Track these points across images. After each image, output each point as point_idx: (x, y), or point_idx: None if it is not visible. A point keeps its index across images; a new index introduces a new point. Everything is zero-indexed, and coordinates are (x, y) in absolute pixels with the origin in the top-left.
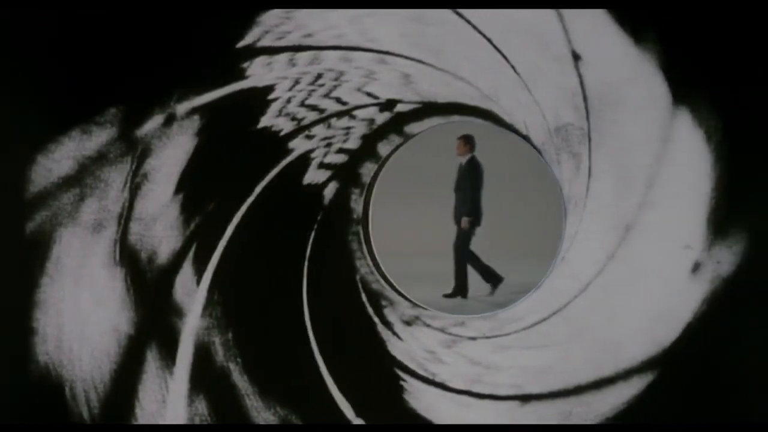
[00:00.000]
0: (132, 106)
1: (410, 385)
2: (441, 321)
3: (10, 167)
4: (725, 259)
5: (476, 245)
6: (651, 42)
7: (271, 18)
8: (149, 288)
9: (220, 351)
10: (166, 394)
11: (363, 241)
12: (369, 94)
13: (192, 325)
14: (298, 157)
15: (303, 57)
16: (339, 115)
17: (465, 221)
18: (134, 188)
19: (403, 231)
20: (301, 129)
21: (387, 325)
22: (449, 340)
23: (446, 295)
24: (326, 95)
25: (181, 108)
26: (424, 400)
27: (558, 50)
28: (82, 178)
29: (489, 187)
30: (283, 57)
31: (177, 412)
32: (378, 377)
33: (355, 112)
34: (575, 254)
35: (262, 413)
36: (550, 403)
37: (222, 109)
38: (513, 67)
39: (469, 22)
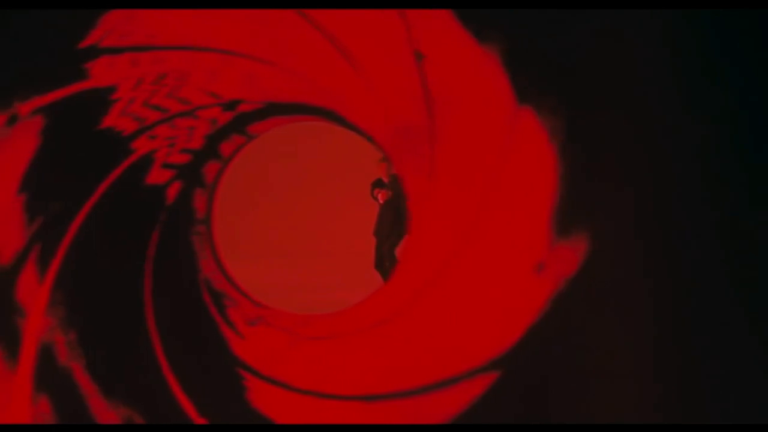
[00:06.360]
0: None
1: (253, 384)
2: (284, 320)
3: None
4: (568, 258)
5: (329, 246)
6: (494, 41)
7: (114, 18)
8: None
9: (63, 350)
10: (10, 393)
11: (207, 240)
12: (212, 94)
13: (35, 324)
14: (141, 157)
15: (146, 57)
16: (182, 114)
17: (382, 193)
18: None
19: (247, 231)
20: (144, 129)
21: (230, 324)
22: (293, 339)
23: None
24: (169, 95)
25: (24, 108)
26: (267, 400)
27: (401, 49)
28: None
29: (334, 187)
30: (126, 57)
31: (21, 411)
32: (221, 377)
33: (199, 112)
34: (418, 254)
35: (105, 412)
36: (394, 403)
37: (65, 109)
38: (356, 67)
39: (312, 22)
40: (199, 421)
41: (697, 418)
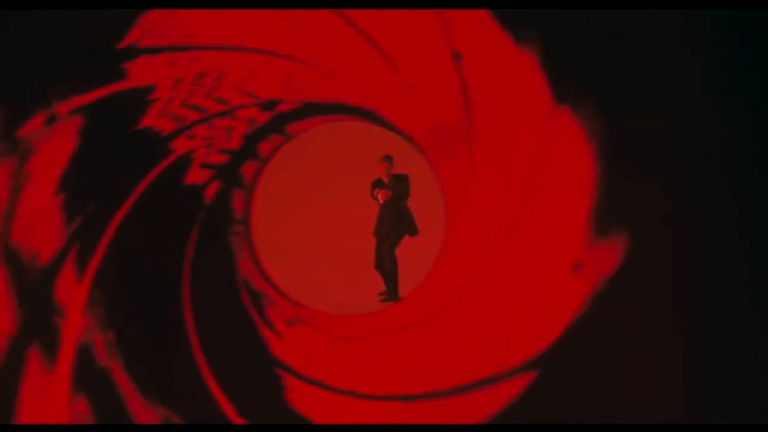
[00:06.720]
0: (13, 106)
1: (292, 384)
2: (323, 320)
3: None
4: (606, 258)
5: (359, 246)
6: (532, 42)
7: (152, 18)
8: (31, 288)
9: (102, 350)
10: (48, 393)
11: (245, 241)
12: (250, 94)
13: (74, 325)
14: (180, 157)
15: (184, 57)
16: (220, 114)
17: (382, 193)
18: (17, 188)
19: (286, 231)
20: (182, 129)
21: (268, 324)
22: (331, 339)
23: (382, 297)
24: (208, 95)
25: (63, 108)
26: (305, 400)
27: (439, 50)
28: None
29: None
30: (164, 57)
31: (59, 411)
32: (259, 377)
33: (237, 112)
34: (456, 254)
35: (143, 412)
36: (432, 403)
37: (103, 110)
38: (394, 67)
39: (350, 22)
40: (238, 421)
41: (733, 418)
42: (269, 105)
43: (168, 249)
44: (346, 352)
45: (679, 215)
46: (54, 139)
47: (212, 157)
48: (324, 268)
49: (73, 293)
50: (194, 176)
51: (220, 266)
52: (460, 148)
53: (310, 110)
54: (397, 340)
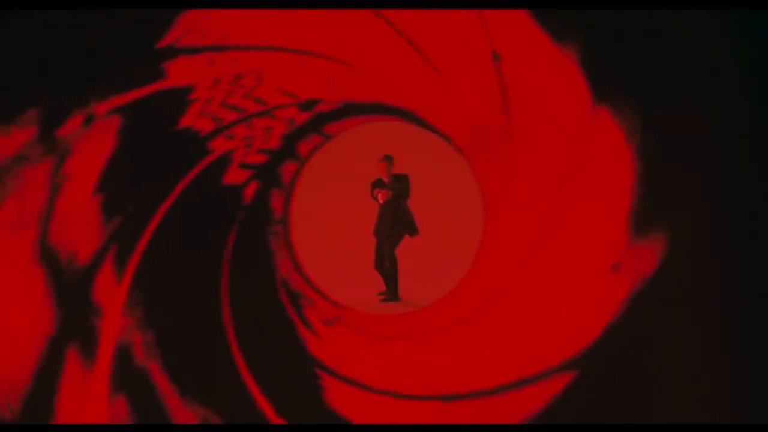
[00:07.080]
0: (52, 106)
1: (330, 384)
2: (361, 320)
3: None
4: (646, 258)
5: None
6: (572, 42)
7: (191, 18)
8: (70, 288)
9: (140, 350)
10: (86, 393)
11: (284, 241)
12: (289, 94)
13: (113, 325)
14: (219, 157)
15: (223, 57)
16: (259, 114)
17: (382, 193)
18: (55, 188)
19: (325, 231)
20: (221, 129)
21: (307, 324)
22: (369, 339)
23: (382, 297)
24: (247, 95)
25: (101, 108)
26: (344, 400)
27: (478, 50)
28: (2, 178)
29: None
30: (203, 57)
31: (97, 411)
32: (298, 377)
33: (276, 112)
34: (495, 253)
35: (182, 412)
36: (471, 403)
37: (142, 109)
38: (434, 66)
39: (388, 22)
40: (276, 420)
41: None
42: (308, 105)
43: (207, 249)
44: (384, 352)
45: (719, 215)
46: (92, 139)
47: (251, 157)
48: (364, 269)
49: (111, 293)
50: (233, 176)
51: (259, 266)
52: (499, 148)
53: (349, 110)
54: (436, 340)
